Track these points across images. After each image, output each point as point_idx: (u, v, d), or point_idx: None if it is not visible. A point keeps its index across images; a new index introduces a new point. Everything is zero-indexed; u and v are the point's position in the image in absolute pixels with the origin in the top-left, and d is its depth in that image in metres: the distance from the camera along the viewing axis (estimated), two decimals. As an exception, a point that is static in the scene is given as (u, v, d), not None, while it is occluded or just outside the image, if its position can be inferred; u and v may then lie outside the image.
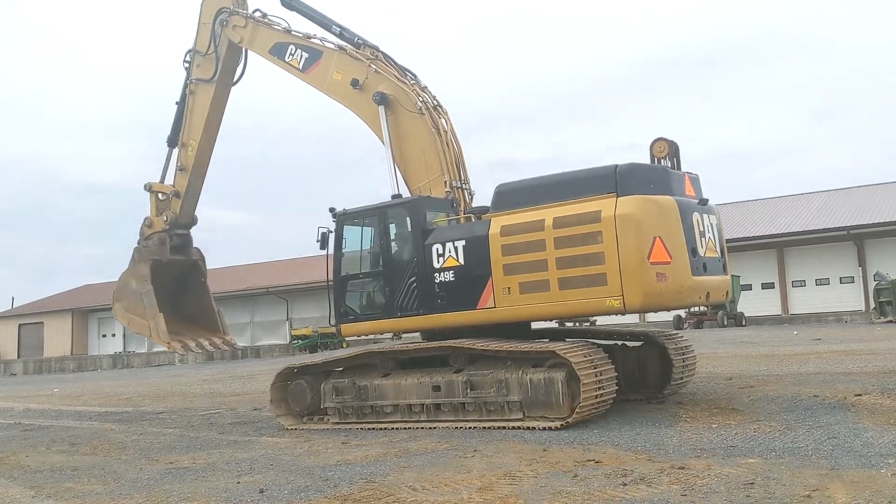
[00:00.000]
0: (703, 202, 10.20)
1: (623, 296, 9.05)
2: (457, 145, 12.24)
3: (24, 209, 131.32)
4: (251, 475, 7.96)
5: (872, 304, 33.96)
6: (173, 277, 15.26)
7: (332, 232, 11.63)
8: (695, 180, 10.30)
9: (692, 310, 34.74)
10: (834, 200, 43.00)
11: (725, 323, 35.09)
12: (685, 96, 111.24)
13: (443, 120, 12.21)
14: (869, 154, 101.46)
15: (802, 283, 39.00)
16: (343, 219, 11.67)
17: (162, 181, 15.47)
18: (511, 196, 10.23)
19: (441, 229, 10.84)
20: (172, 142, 15.36)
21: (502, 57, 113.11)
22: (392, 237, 11.30)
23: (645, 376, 11.05)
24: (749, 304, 37.43)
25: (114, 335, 59.75)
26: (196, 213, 15.49)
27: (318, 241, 11.68)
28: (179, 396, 19.52)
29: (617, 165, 9.45)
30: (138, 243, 15.27)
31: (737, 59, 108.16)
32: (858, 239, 37.29)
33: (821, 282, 38.64)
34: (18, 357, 60.47)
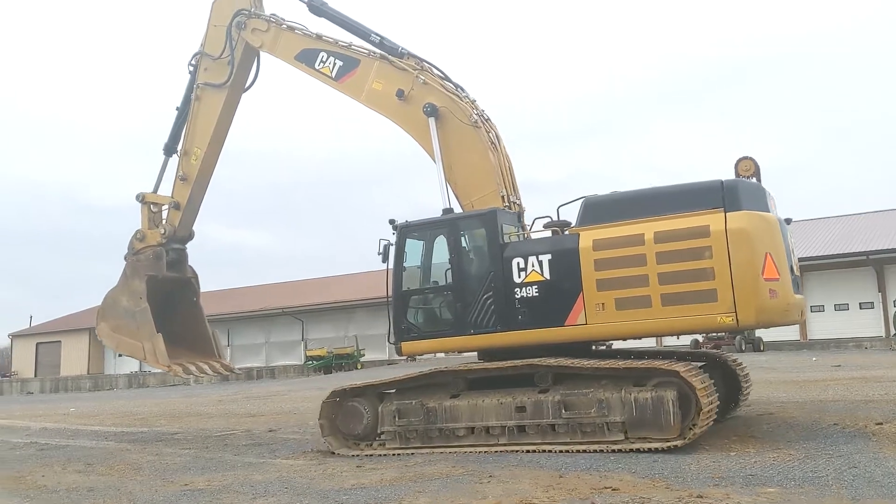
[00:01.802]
0: (788, 221, 10.06)
1: (736, 312, 8.79)
2: (508, 160, 11.86)
3: (45, 229, 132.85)
4: (266, 498, 7.92)
5: (892, 331, 33.58)
6: (164, 295, 14.24)
7: (392, 244, 11.05)
8: (774, 200, 10.08)
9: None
10: (853, 225, 42.67)
11: (743, 348, 34.70)
12: (704, 116, 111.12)
13: (494, 133, 11.84)
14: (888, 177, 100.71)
15: (821, 309, 38.58)
16: (405, 231, 11.07)
17: (156, 191, 14.68)
18: (600, 210, 9.86)
19: (521, 242, 10.45)
20: (170, 150, 14.65)
21: (520, 75, 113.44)
22: (464, 250, 10.75)
23: None
24: (767, 329, 36.94)
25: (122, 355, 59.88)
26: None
27: (379, 254, 11.02)
28: (194, 417, 19.47)
29: (722, 180, 9.25)
30: (126, 258, 14.39)
31: (753, 78, 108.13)
32: (878, 264, 36.92)
33: (840, 307, 38.23)
34: (36, 375, 60.60)
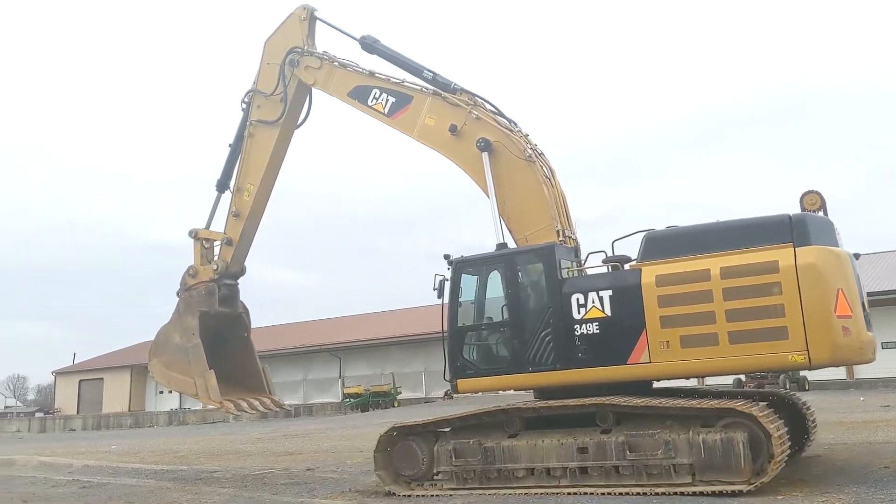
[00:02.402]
0: (857, 256, 9.72)
1: (808, 351, 8.51)
2: (562, 194, 11.74)
3: (90, 267, 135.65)
4: (305, 538, 7.88)
5: (943, 370, 32.57)
6: (215, 331, 14.20)
7: (448, 280, 10.91)
8: (840, 234, 9.79)
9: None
10: (887, 263, 41.74)
11: (787, 387, 33.93)
12: (743, 153, 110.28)
13: (547, 168, 11.75)
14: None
15: (869, 347, 37.61)
16: (460, 266, 10.92)
17: (208, 227, 14.74)
18: (663, 244, 9.64)
19: (581, 278, 10.27)
20: (223, 186, 14.77)
21: (558, 111, 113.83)
22: (521, 285, 10.57)
23: None
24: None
25: (170, 392, 60.32)
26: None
27: (435, 289, 10.88)
28: (233, 455, 19.52)
29: (791, 215, 9.04)
30: (178, 294, 14.40)
31: (795, 115, 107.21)
32: (921, 302, 35.99)
33: (888, 345, 37.13)
34: (78, 412, 61.39)
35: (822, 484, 8.93)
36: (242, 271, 14.70)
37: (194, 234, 14.60)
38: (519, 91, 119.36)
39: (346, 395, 44.54)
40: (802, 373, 34.86)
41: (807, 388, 34.34)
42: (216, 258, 14.42)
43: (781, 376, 33.95)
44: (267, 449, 20.69)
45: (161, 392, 61.04)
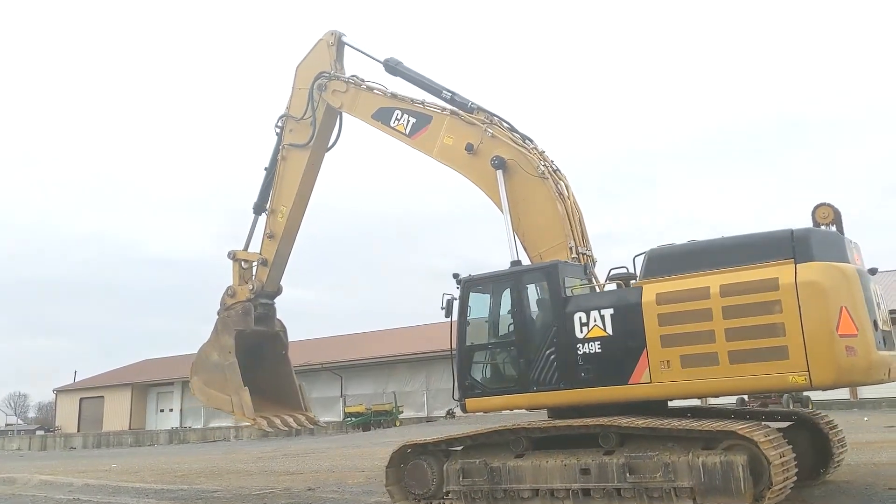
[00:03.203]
0: (873, 271, 9.48)
1: (809, 371, 8.28)
2: (578, 210, 11.85)
3: (92, 281, 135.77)
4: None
5: (947, 390, 32.41)
6: (253, 349, 14.70)
7: (456, 299, 10.92)
8: (858, 248, 9.54)
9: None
10: (901, 279, 41.63)
11: (791, 406, 33.79)
12: (747, 170, 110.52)
13: (563, 184, 11.87)
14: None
15: (872, 366, 37.42)
16: (468, 285, 10.96)
17: (246, 249, 15.24)
18: (665, 261, 9.54)
19: (583, 296, 10.20)
20: (259, 208, 15.24)
21: (556, 125, 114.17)
22: (526, 304, 10.53)
23: (798, 460, 9.44)
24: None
25: (171, 410, 60.16)
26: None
27: (442, 309, 10.91)
28: (234, 474, 19.42)
29: (793, 230, 8.82)
30: (218, 313, 14.83)
31: (799, 135, 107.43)
32: (929, 321, 35.89)
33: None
34: (79, 431, 61.20)
35: (827, 506, 8.88)
36: (278, 291, 15.17)
37: (233, 256, 15.12)
38: (535, 107, 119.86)
39: (347, 414, 44.39)
40: (805, 392, 34.73)
41: (810, 407, 34.15)
42: (253, 278, 14.83)
43: (785, 396, 33.80)
44: (268, 468, 20.59)
45: (161, 410, 60.96)
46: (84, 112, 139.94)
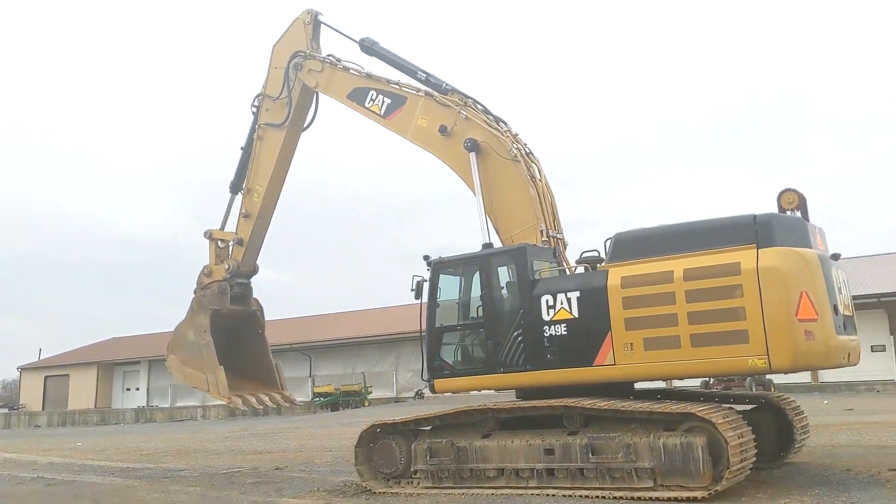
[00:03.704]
0: (836, 257, 9.59)
1: (769, 355, 8.40)
2: (550, 194, 11.88)
3: (57, 260, 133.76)
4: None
5: (905, 374, 33.22)
6: (230, 328, 14.70)
7: (426, 280, 10.97)
8: (823, 234, 9.67)
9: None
10: (863, 267, 42.44)
11: (753, 389, 34.38)
12: (717, 162, 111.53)
13: (535, 167, 11.89)
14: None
15: (832, 351, 38.15)
16: (438, 267, 11.01)
17: (222, 228, 15.17)
18: (631, 245, 9.58)
19: (551, 279, 10.24)
20: (235, 188, 15.17)
21: (531, 116, 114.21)
22: (495, 286, 10.59)
23: (760, 443, 9.65)
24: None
25: (137, 389, 59.69)
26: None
27: (412, 290, 10.96)
28: (201, 453, 19.37)
29: (756, 215, 8.89)
30: (195, 292, 14.83)
31: (773, 125, 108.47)
32: (890, 307, 36.69)
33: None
34: (43, 409, 60.48)
35: (785, 486, 9.06)
36: (254, 270, 15.15)
37: (209, 235, 15.04)
38: (520, 93, 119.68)
39: (316, 394, 44.40)
40: (768, 375, 35.36)
41: (772, 390, 34.73)
42: (229, 258, 14.79)
43: (748, 379, 34.38)
44: (235, 447, 20.57)
45: (128, 389, 60.48)
46: (47, 85, 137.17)
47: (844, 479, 9.23)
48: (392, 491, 10.32)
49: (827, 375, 37.51)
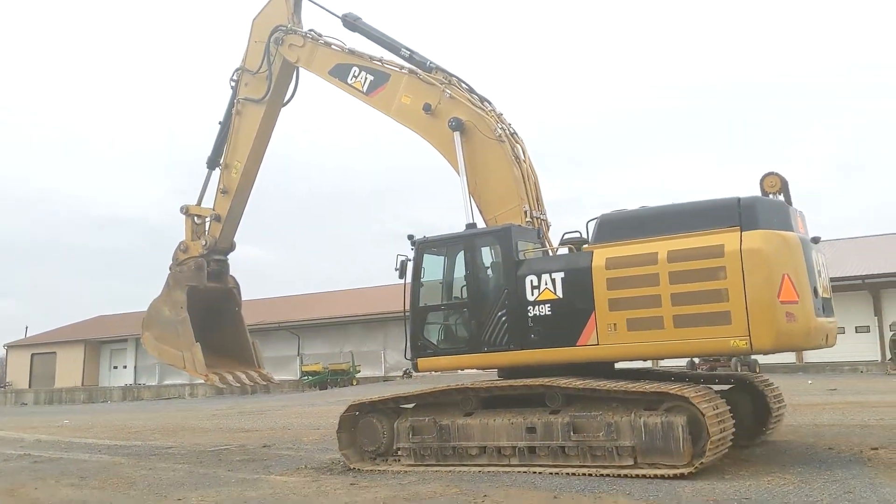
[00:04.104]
0: (816, 240, 9.72)
1: (750, 336, 8.50)
2: (534, 174, 11.84)
3: (44, 241, 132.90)
4: (259, 514, 7.91)
5: (888, 355, 33.53)
6: (206, 305, 14.54)
7: (410, 260, 11.00)
8: (803, 217, 9.75)
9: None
10: (848, 248, 42.71)
11: (738, 369, 34.69)
12: (705, 144, 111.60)
13: (520, 148, 11.83)
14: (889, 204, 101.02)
15: (817, 332, 38.42)
16: (423, 247, 11.03)
17: (199, 204, 15.01)
18: (616, 226, 9.66)
19: (535, 260, 10.30)
20: (213, 163, 15.02)
21: (521, 97, 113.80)
22: (479, 267, 10.63)
23: (738, 419, 9.79)
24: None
25: (125, 367, 59.60)
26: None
27: (396, 269, 10.98)
28: (189, 431, 19.40)
29: (739, 198, 8.96)
30: (171, 268, 14.66)
31: (763, 108, 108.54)
32: (874, 288, 36.96)
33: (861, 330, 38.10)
34: (30, 387, 60.35)
35: (768, 464, 9.15)
36: (232, 247, 15.00)
37: (185, 210, 14.84)
38: (507, 72, 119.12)
39: (304, 373, 44.47)
40: (753, 356, 35.64)
41: (757, 370, 35.05)
42: (206, 234, 14.63)
43: (733, 359, 34.67)
44: (223, 425, 20.61)
45: (115, 367, 60.37)
46: (33, 66, 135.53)
47: (827, 458, 9.33)
48: (379, 469, 10.39)
49: (811, 356, 37.81)
